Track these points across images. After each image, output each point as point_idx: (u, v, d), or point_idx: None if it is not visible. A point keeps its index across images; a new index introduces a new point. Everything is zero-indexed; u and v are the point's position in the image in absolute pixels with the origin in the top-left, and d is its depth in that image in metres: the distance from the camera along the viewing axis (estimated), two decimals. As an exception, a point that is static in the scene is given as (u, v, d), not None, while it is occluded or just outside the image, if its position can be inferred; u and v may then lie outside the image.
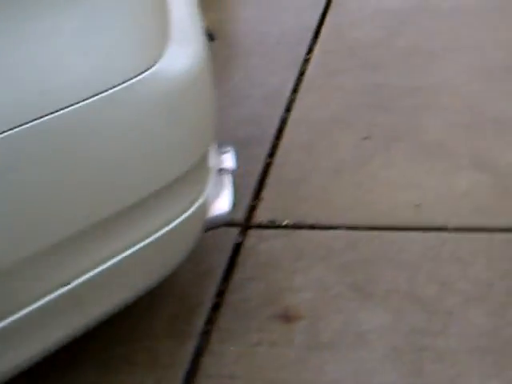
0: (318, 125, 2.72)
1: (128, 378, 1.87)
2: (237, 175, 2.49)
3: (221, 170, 1.89)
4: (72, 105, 1.36)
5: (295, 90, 2.95)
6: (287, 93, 2.94)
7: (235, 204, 2.34)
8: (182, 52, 1.56)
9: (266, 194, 2.45)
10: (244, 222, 2.35)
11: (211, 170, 1.79)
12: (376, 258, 2.13)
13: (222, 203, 1.82)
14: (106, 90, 1.41)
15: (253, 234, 2.30)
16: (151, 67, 1.47)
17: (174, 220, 1.67)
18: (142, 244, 1.62)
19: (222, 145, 2.01)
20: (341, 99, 2.84)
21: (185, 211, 1.70)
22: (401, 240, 2.19)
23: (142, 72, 1.46)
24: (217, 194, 1.83)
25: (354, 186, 2.41)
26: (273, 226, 2.32)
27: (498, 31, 3.17)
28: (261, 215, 2.36)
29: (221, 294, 2.09)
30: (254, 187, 2.48)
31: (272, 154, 2.62)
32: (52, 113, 1.35)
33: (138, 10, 1.46)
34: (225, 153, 1.96)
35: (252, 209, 2.40)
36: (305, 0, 3.63)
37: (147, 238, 1.63)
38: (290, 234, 2.27)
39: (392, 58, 3.07)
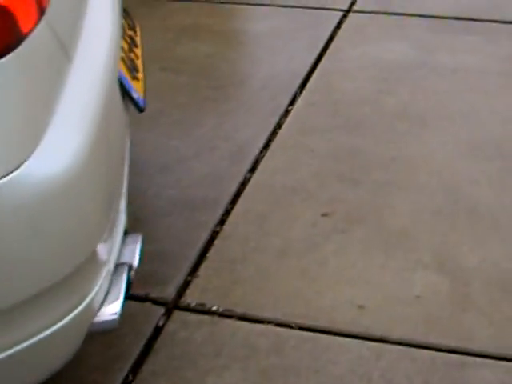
0: (278, 192, 2.49)
1: None
2: (179, 243, 2.32)
3: (118, 266, 1.67)
4: None
5: (265, 147, 2.72)
6: (256, 150, 2.70)
7: (170, 279, 2.17)
8: (54, 154, 1.34)
9: (203, 270, 2.22)
10: (172, 300, 2.13)
11: (101, 268, 1.57)
12: (301, 367, 1.90)
13: (112, 307, 1.60)
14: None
15: (177, 317, 2.09)
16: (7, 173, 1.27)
17: (53, 324, 1.47)
18: (19, 346, 1.44)
19: (133, 231, 1.81)
20: (310, 165, 2.60)
21: (66, 315, 1.49)
22: (334, 347, 1.95)
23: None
24: (110, 295, 1.61)
25: (297, 272, 2.17)
26: (200, 310, 2.10)
27: (498, 98, 2.89)
28: (192, 295, 2.14)
29: (124, 386, 1.88)
30: (193, 260, 2.26)
31: (221, 222, 2.40)
32: None
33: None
34: (130, 244, 1.74)
35: (185, 285, 2.18)
36: (301, 42, 3.38)
37: (25, 341, 1.44)
38: (215, 323, 2.05)
39: (376, 120, 2.81)
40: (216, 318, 2.06)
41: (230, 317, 2.06)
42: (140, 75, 1.93)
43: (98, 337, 2.02)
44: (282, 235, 2.31)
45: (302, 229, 2.33)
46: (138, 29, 2.19)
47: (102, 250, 1.56)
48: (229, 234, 2.34)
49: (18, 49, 1.28)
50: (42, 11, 1.36)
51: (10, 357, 1.44)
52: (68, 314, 1.49)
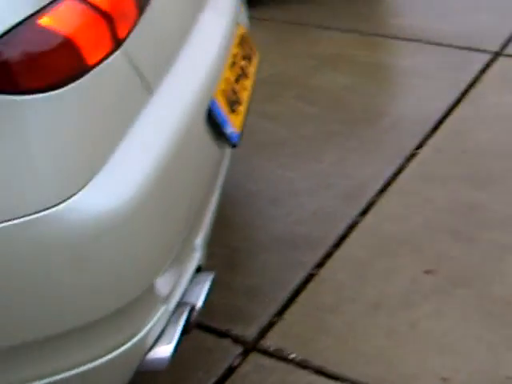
0: (384, 241, 2.37)
1: None
2: (271, 282, 2.25)
3: (181, 305, 1.62)
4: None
5: (382, 191, 2.60)
6: (372, 192, 2.59)
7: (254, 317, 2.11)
8: (106, 189, 1.31)
9: (290, 313, 2.14)
10: (252, 341, 2.07)
11: (157, 306, 1.53)
12: None
13: (165, 348, 1.55)
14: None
15: (253, 359, 2.02)
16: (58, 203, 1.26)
17: (98, 357, 1.45)
18: (65, 374, 1.44)
19: (205, 270, 1.76)
20: (424, 215, 2.45)
21: (113, 350, 1.47)
22: (408, 419, 1.82)
23: (44, 209, 1.24)
24: (165, 335, 1.56)
25: (385, 331, 2.05)
26: (278, 355, 2.02)
27: None
28: (272, 338, 2.07)
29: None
30: (282, 302, 2.18)
31: (320, 265, 2.31)
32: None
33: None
34: (198, 283, 1.69)
35: (268, 327, 2.11)
36: (442, 83, 3.22)
37: (71, 369, 1.44)
38: (289, 372, 1.96)
39: (507, 176, 2.62)
40: (291, 367, 1.98)
41: (306, 367, 1.97)
42: (241, 108, 1.88)
43: (169, 367, 2.00)
44: (379, 288, 2.19)
45: (400, 284, 2.20)
46: (254, 58, 2.14)
47: (159, 288, 1.52)
48: (324, 279, 2.25)
49: (82, 79, 1.26)
50: (118, 43, 1.34)
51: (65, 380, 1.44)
52: (115, 350, 1.46)
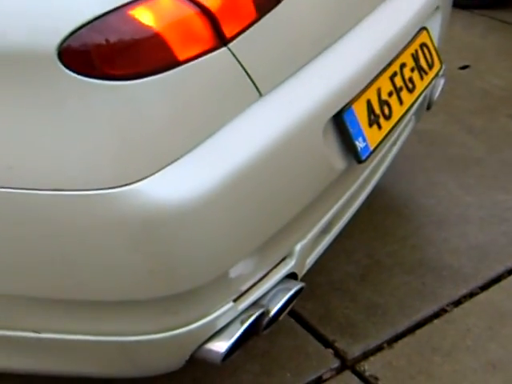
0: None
1: None
2: (399, 305, 2.13)
3: (254, 306, 1.58)
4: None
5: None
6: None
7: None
8: (178, 178, 1.31)
9: (402, 343, 2.03)
10: (351, 359, 1.99)
11: (223, 301, 1.51)
12: None
13: (221, 344, 1.53)
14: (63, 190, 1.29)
15: (344, 378, 1.95)
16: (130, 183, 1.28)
17: (153, 332, 1.48)
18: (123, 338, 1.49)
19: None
20: None
21: (169, 329, 1.48)
22: None
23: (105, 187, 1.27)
24: (226, 331, 1.54)
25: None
26: (369, 382, 1.92)
27: None
28: (373, 363, 1.98)
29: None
30: (400, 329, 2.07)
31: (457, 303, 2.14)
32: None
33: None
34: (282, 290, 1.63)
35: (373, 351, 2.02)
36: None
37: (135, 335, 1.49)
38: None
39: None
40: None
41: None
42: (387, 124, 1.77)
43: (261, 358, 1.99)
44: (507, 348, 1.99)
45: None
46: (432, 71, 2.00)
47: (231, 283, 1.50)
48: (454, 319, 2.09)
49: (169, 73, 1.26)
50: (222, 41, 1.33)
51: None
52: (168, 331, 1.47)
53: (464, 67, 3.41)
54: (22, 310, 1.47)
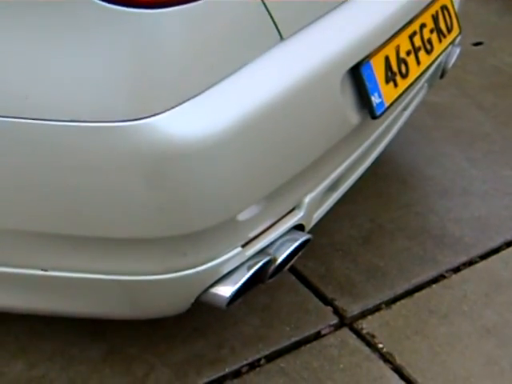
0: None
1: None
2: (398, 269, 2.15)
3: (260, 254, 1.59)
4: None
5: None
6: None
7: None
8: (195, 114, 1.31)
9: (399, 305, 2.05)
10: (349, 317, 2.01)
11: (231, 245, 1.53)
12: None
13: (227, 288, 1.54)
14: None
15: (341, 334, 1.97)
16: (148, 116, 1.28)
17: (159, 273, 1.49)
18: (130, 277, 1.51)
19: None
20: None
21: (177, 270, 1.49)
22: None
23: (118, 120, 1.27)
24: (232, 276, 1.56)
25: (486, 360, 1.88)
26: (366, 340, 1.94)
27: None
28: (370, 322, 1.99)
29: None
30: (398, 291, 2.08)
31: (455, 270, 2.16)
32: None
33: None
34: (289, 240, 1.64)
35: (371, 310, 2.03)
36: None
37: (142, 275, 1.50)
38: (368, 360, 1.88)
39: None
40: (373, 356, 1.89)
41: (386, 361, 1.88)
42: (403, 82, 1.78)
43: (262, 312, 2.00)
44: (504, 316, 2.01)
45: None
46: (451, 35, 2.00)
47: (240, 228, 1.51)
48: (451, 285, 2.10)
49: (196, 3, 1.27)
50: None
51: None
52: (175, 272, 1.48)
53: (477, 43, 3.41)
54: (31, 247, 1.48)
